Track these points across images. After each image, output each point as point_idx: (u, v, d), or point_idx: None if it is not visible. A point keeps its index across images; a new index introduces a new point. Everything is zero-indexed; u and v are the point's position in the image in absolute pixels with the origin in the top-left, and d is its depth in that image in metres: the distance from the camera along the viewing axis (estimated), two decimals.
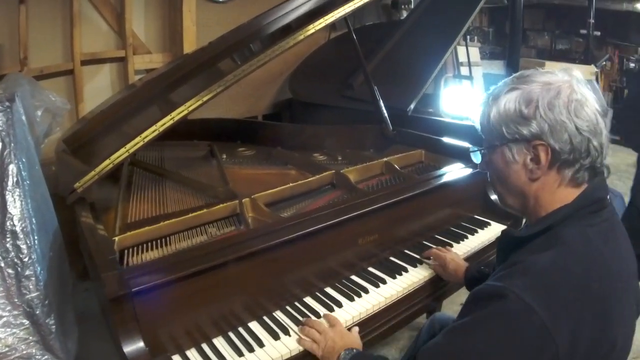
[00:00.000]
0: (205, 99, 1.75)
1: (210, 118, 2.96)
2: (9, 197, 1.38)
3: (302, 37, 1.89)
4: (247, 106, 3.38)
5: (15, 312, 1.39)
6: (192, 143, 2.64)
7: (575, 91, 0.98)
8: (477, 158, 1.19)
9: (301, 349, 1.35)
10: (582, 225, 0.99)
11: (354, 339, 1.37)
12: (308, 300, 1.54)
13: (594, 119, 0.97)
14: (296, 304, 1.52)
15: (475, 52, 4.42)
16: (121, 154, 1.66)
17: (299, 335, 1.38)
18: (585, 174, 1.01)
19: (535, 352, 0.89)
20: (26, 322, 1.40)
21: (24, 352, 1.41)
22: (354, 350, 1.28)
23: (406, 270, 1.69)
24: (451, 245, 1.85)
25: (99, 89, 2.75)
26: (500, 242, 1.14)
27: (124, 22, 2.70)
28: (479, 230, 1.97)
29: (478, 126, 1.14)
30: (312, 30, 1.91)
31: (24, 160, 1.44)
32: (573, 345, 0.89)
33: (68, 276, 1.81)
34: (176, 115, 1.72)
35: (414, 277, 1.66)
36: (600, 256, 0.96)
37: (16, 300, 1.39)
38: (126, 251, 1.47)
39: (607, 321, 0.93)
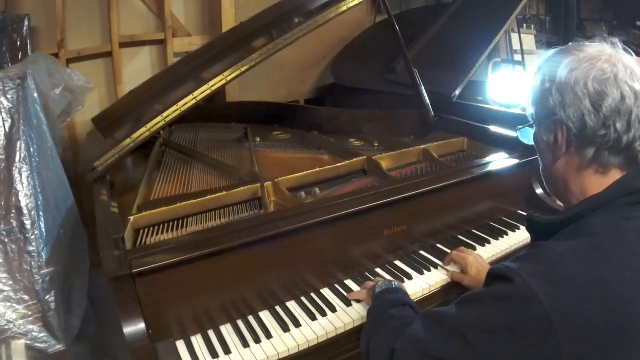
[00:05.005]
0: (229, 78, 1.70)
1: (248, 101, 2.92)
2: (15, 174, 1.37)
3: (333, 14, 1.80)
4: (289, 90, 3.30)
5: (17, 287, 1.38)
6: (229, 126, 2.60)
7: (613, 64, 0.89)
8: (523, 137, 1.13)
9: (315, 341, 1.27)
10: (617, 217, 0.85)
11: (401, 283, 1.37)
12: (325, 291, 1.45)
13: (618, 97, 0.87)
14: (312, 295, 1.43)
15: (530, 40, 4.15)
16: (142, 133, 1.64)
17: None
18: (611, 157, 0.90)
19: (532, 345, 0.78)
20: (26, 297, 1.40)
21: (22, 327, 1.41)
22: (393, 284, 1.27)
23: (435, 267, 1.56)
24: (489, 242, 1.71)
25: (138, 71, 2.73)
26: (528, 229, 1.04)
27: (164, 5, 2.67)
28: (520, 227, 1.80)
29: None
30: (344, 8, 1.82)
31: (33, 137, 1.42)
32: (581, 354, 0.76)
33: (85, 254, 1.80)
34: (198, 94, 1.67)
35: (443, 274, 1.53)
36: (634, 255, 0.81)
37: (18, 275, 1.39)
38: (141, 231, 1.43)
39: (626, 339, 0.77)
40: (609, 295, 0.77)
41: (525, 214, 1.89)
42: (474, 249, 1.66)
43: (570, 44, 0.98)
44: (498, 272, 0.87)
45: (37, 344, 1.50)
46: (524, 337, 0.78)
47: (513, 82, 2.75)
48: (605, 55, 0.91)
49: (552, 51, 1.00)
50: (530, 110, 1.03)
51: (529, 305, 0.78)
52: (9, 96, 1.36)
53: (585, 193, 0.92)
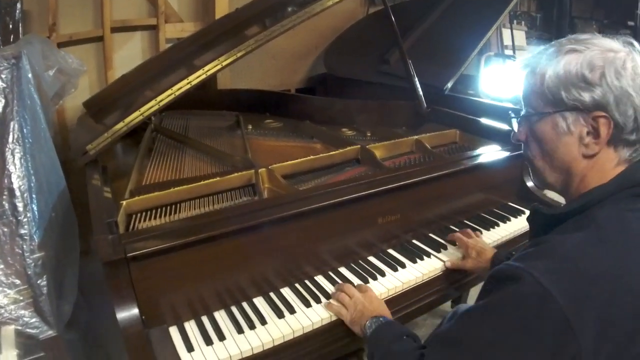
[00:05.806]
0: (224, 64, 1.68)
1: (240, 89, 2.90)
2: (8, 155, 1.35)
3: (330, 3, 1.80)
4: (280, 79, 3.29)
5: (8, 271, 1.36)
6: (220, 113, 2.58)
7: (638, 64, 0.89)
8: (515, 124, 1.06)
9: (310, 327, 1.27)
10: (620, 209, 0.85)
11: (384, 307, 1.29)
12: (319, 278, 1.45)
13: None
14: (306, 282, 1.43)
15: (521, 36, 4.19)
16: (135, 117, 1.63)
17: (326, 302, 1.33)
18: None
19: (553, 348, 0.75)
20: (18, 281, 1.38)
21: (13, 313, 1.39)
22: (381, 319, 1.21)
23: (428, 255, 1.57)
24: (480, 232, 1.72)
25: (129, 56, 2.70)
26: (529, 220, 1.02)
27: None
28: (511, 218, 1.83)
29: (521, 91, 1.01)
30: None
31: (27, 117, 1.40)
32: (597, 350, 0.75)
33: (76, 240, 1.78)
34: (193, 79, 1.66)
35: (436, 262, 1.54)
36: (639, 247, 0.82)
37: (9, 259, 1.36)
38: (134, 216, 1.42)
39: (636, 331, 0.77)
40: (618, 288, 0.77)
41: (515, 206, 1.91)
42: None
43: (596, 34, 0.94)
44: (504, 273, 0.84)
45: (28, 330, 1.47)
46: (541, 338, 0.76)
47: (504, 75, 2.77)
48: (629, 51, 0.90)
49: (583, 36, 0.93)
50: (547, 97, 0.94)
51: (543, 304, 0.76)
52: (3, 76, 1.33)
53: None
